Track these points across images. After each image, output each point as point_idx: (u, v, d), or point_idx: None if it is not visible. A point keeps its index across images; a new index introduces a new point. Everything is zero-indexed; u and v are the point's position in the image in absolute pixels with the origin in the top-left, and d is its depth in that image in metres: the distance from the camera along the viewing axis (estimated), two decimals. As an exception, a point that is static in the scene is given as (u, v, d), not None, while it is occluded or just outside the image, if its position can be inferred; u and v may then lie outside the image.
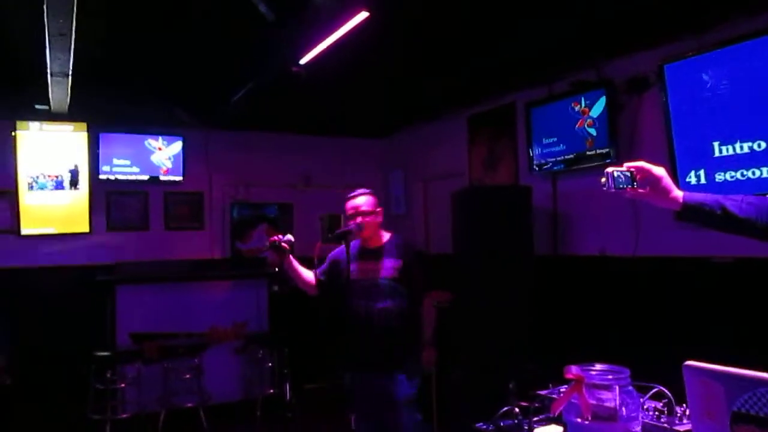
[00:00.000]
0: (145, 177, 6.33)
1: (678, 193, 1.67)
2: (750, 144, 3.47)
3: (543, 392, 1.97)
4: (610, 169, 1.65)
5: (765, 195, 1.75)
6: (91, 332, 5.45)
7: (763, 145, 3.40)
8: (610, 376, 1.68)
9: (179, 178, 6.48)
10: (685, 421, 1.69)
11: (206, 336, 5.67)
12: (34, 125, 5.88)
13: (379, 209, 3.34)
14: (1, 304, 5.46)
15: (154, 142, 6.38)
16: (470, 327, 4.53)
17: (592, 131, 4.48)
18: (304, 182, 7.13)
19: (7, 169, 5.79)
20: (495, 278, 4.46)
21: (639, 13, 3.61)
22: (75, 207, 6.03)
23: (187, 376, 5.29)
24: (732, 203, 1.65)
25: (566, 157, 4.71)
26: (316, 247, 3.23)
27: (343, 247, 3.33)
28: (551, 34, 4.00)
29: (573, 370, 1.66)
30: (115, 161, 6.21)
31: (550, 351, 4.33)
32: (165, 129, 6.42)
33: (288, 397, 4.98)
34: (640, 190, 1.67)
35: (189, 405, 5.23)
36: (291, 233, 3.29)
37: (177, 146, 6.46)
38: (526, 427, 1.85)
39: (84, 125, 6.03)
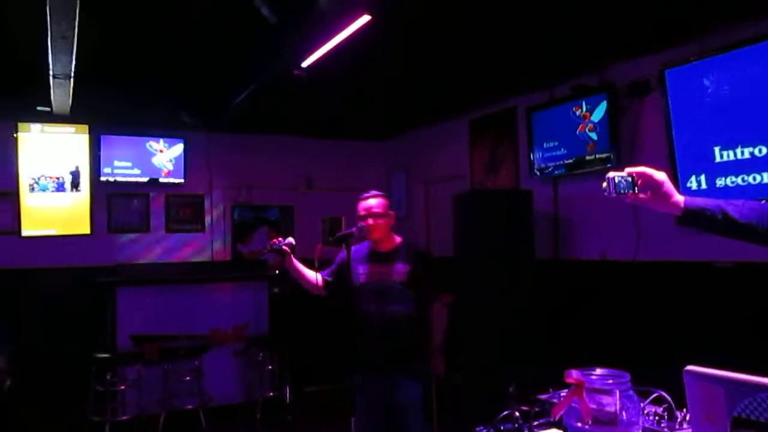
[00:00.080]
0: (147, 179, 6.34)
1: (679, 198, 1.67)
2: (751, 149, 3.47)
3: (543, 396, 1.97)
4: (611, 175, 1.65)
5: (766, 200, 1.76)
6: (91, 334, 5.45)
7: (764, 150, 3.40)
8: (611, 381, 1.68)
9: (180, 181, 6.49)
10: (685, 426, 1.69)
11: (207, 338, 5.66)
12: (35, 127, 5.89)
13: (391, 212, 3.30)
14: (2, 305, 5.45)
15: (156, 145, 6.39)
16: (471, 330, 4.52)
17: (593, 135, 4.49)
18: (305, 185, 7.13)
19: (8, 171, 5.80)
20: (496, 281, 4.46)
21: (640, 17, 3.61)
22: (76, 209, 6.04)
23: (188, 378, 5.28)
24: (733, 208, 1.65)
25: (567, 161, 4.71)
26: (317, 250, 3.22)
27: (353, 248, 3.30)
28: (553, 39, 4.00)
29: (573, 375, 1.66)
30: (117, 163, 6.22)
31: (550, 355, 4.33)
32: (166, 131, 6.43)
33: (288, 400, 4.98)
34: (641, 196, 1.67)
35: (189, 407, 5.22)
36: (292, 236, 3.29)
37: (178, 148, 6.47)
38: (526, 431, 1.84)
39: (85, 127, 6.04)
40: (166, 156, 6.43)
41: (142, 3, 3.54)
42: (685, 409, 1.64)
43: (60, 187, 5.98)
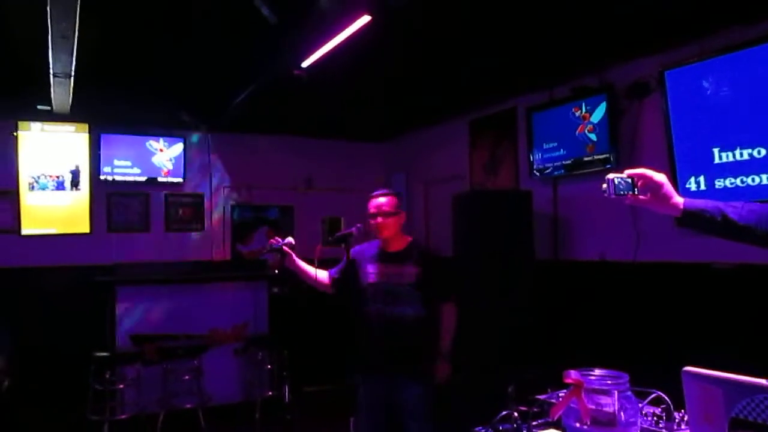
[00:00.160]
0: (146, 178, 6.34)
1: (678, 200, 1.68)
2: (750, 151, 3.48)
3: (542, 397, 1.97)
4: (611, 176, 1.66)
5: (765, 202, 1.76)
6: (90, 333, 5.45)
7: (763, 152, 3.41)
8: (609, 381, 1.68)
9: (180, 180, 6.49)
10: (683, 426, 1.70)
11: (206, 338, 5.67)
12: (35, 125, 5.90)
13: (402, 211, 3.24)
14: (1, 304, 5.45)
15: (155, 144, 6.39)
16: (470, 330, 4.52)
17: (593, 136, 4.49)
18: (305, 185, 7.13)
19: (8, 169, 5.80)
20: (495, 282, 4.47)
21: (640, 19, 3.62)
22: (76, 208, 6.05)
23: (187, 377, 5.28)
24: (732, 210, 1.65)
25: (567, 162, 4.72)
26: (317, 250, 3.21)
27: (362, 246, 3.27)
28: (553, 39, 4.01)
29: (572, 375, 1.66)
30: (116, 162, 6.22)
31: (549, 355, 4.34)
32: (166, 131, 6.43)
33: (287, 399, 4.97)
34: (641, 197, 1.67)
35: (188, 406, 5.22)
36: (292, 236, 3.28)
37: (178, 148, 6.48)
38: (525, 431, 1.85)
39: (85, 126, 6.05)
40: (165, 155, 6.43)
41: (142, 3, 3.54)
42: (683, 410, 1.64)
43: (60, 186, 5.99)
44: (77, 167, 6.05)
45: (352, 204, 6.48)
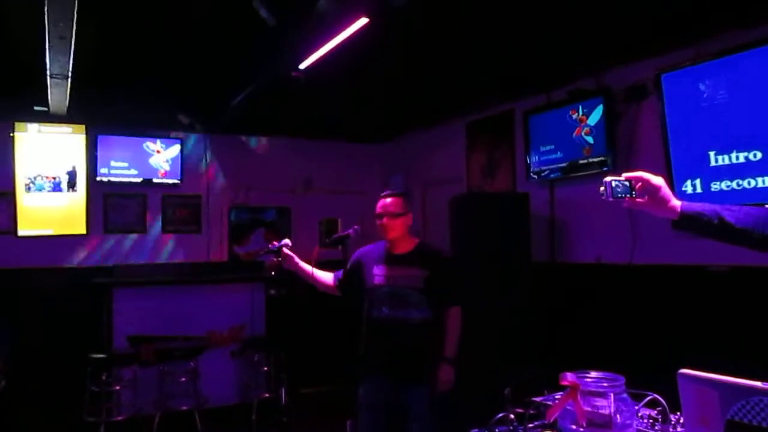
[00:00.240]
0: (143, 179, 6.34)
1: (676, 203, 1.68)
2: (746, 154, 3.49)
3: (538, 399, 1.97)
4: (608, 179, 1.66)
5: (761, 205, 1.77)
6: (87, 334, 5.43)
7: (759, 155, 3.42)
8: (605, 384, 1.68)
9: (177, 181, 6.49)
10: (679, 428, 1.70)
11: (203, 339, 5.66)
12: (32, 127, 5.89)
13: (409, 213, 3.20)
14: (-3, 305, 5.45)
15: (153, 145, 6.39)
16: (466, 332, 4.52)
17: (590, 139, 4.50)
18: (303, 186, 7.13)
19: (5, 171, 5.79)
20: (492, 284, 4.47)
21: (637, 22, 3.63)
22: (72, 209, 6.04)
23: (183, 379, 5.27)
24: (729, 213, 1.66)
25: (563, 164, 4.73)
26: (314, 252, 3.21)
27: (368, 247, 3.25)
28: (550, 43, 4.02)
29: (568, 377, 1.67)
30: (113, 163, 6.21)
31: (545, 358, 4.34)
32: (163, 132, 6.43)
33: (284, 401, 4.97)
34: (638, 200, 1.68)
35: (184, 408, 5.21)
36: (289, 237, 3.28)
37: (175, 149, 6.47)
38: (521, 434, 1.85)
39: (82, 127, 6.04)
40: (163, 157, 6.43)
41: (140, 3, 3.54)
42: (679, 412, 1.65)
43: (56, 187, 5.98)
44: (74, 168, 6.04)
45: (349, 206, 6.49)
